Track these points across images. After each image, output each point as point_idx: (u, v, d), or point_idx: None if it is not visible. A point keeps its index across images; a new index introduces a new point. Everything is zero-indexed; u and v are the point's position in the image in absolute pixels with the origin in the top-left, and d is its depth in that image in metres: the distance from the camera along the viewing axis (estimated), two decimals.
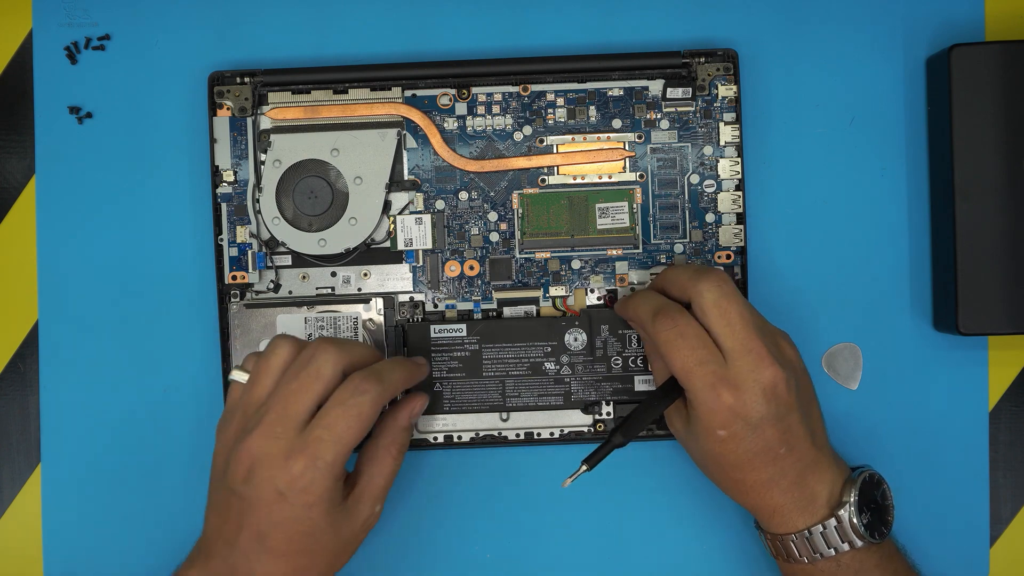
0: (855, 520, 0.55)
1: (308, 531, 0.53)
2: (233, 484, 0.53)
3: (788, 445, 0.55)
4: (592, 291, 0.62)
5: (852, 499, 0.55)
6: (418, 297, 0.63)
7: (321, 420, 0.53)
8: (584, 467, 0.56)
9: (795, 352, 0.57)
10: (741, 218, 0.62)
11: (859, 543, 0.55)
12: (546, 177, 0.63)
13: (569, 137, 0.62)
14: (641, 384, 0.62)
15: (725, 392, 0.54)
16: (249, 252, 0.62)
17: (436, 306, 0.63)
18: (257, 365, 0.56)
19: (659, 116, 0.62)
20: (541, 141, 0.63)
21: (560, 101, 0.62)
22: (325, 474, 0.52)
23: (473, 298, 0.63)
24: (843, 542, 0.55)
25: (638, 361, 0.62)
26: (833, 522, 0.55)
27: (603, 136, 0.62)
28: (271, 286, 0.62)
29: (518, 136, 0.62)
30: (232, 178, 0.62)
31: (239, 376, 0.56)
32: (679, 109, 0.62)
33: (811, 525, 0.55)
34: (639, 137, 0.62)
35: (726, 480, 0.56)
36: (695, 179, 0.62)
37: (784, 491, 0.55)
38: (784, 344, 0.57)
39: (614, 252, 0.63)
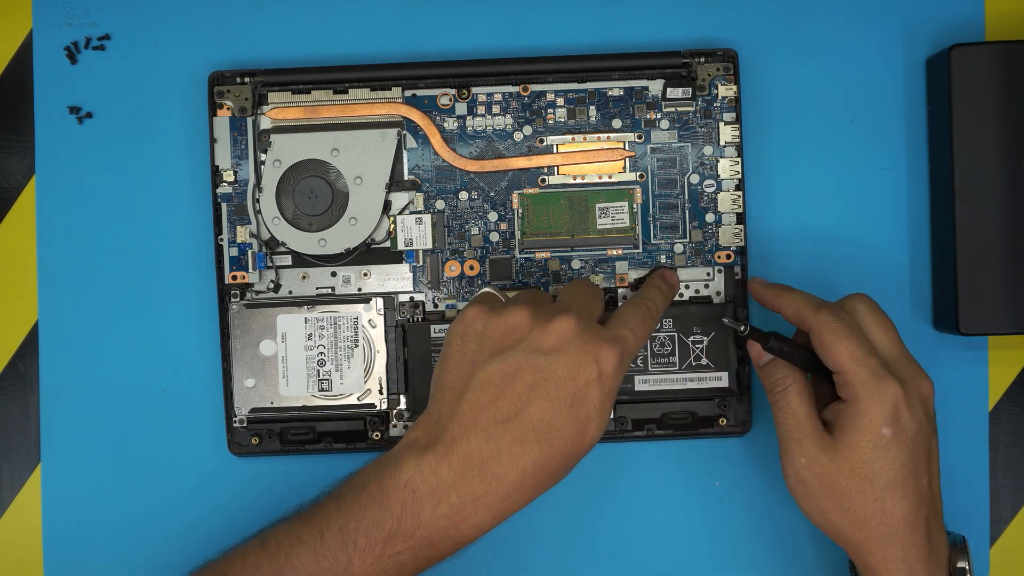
0: None
1: (589, 418, 0.51)
2: (536, 354, 0.51)
3: (930, 477, 0.54)
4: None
5: (968, 568, 0.55)
6: (418, 297, 0.63)
7: (626, 322, 0.53)
8: (743, 328, 0.56)
9: None
10: (741, 218, 0.62)
11: None
12: (546, 177, 0.63)
13: (569, 137, 0.62)
14: (641, 384, 0.62)
15: (893, 384, 0.53)
16: (249, 252, 0.62)
17: (436, 306, 0.63)
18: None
19: (659, 116, 0.62)
20: (541, 141, 0.63)
21: (560, 101, 0.62)
22: (625, 369, 0.52)
23: None
24: None
25: (638, 361, 0.62)
26: None
27: (603, 136, 0.62)
28: (271, 286, 0.62)
29: (518, 136, 0.62)
30: (232, 178, 0.62)
31: (498, 293, 0.57)
32: (679, 109, 0.62)
33: None
34: (639, 137, 0.62)
35: (872, 514, 0.53)
36: (695, 179, 0.62)
37: (921, 543, 0.53)
38: None
39: (614, 252, 0.63)
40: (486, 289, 0.57)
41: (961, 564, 0.55)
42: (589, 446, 0.52)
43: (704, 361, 0.61)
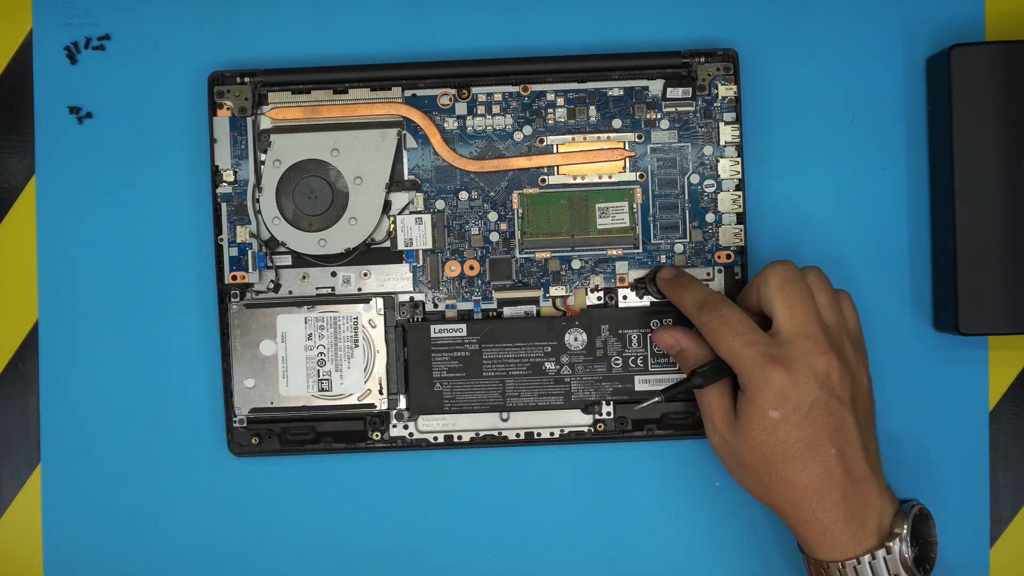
0: (906, 554, 0.54)
1: None
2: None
3: (839, 447, 0.55)
4: (594, 289, 0.62)
5: (905, 531, 0.54)
6: (418, 297, 0.63)
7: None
8: (658, 398, 0.57)
9: (864, 368, 0.57)
10: (741, 218, 0.62)
11: None
12: (546, 177, 0.63)
13: (569, 137, 0.62)
14: (641, 384, 0.62)
15: (775, 369, 0.54)
16: (249, 252, 0.62)
17: (436, 306, 0.63)
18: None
19: (659, 116, 0.62)
20: (541, 141, 0.63)
21: (560, 101, 0.62)
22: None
23: (473, 298, 0.63)
24: (891, 575, 0.54)
25: (638, 361, 0.62)
26: (883, 552, 0.54)
27: (603, 136, 0.62)
28: (271, 286, 0.62)
29: (518, 136, 0.62)
30: (232, 178, 0.62)
31: None
32: (679, 109, 0.62)
33: (860, 554, 0.54)
34: (639, 137, 0.62)
35: (777, 483, 0.55)
36: (695, 179, 0.62)
37: (835, 506, 0.54)
38: (853, 352, 0.57)
39: (614, 252, 0.63)
40: None
41: (898, 529, 0.55)
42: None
43: None
